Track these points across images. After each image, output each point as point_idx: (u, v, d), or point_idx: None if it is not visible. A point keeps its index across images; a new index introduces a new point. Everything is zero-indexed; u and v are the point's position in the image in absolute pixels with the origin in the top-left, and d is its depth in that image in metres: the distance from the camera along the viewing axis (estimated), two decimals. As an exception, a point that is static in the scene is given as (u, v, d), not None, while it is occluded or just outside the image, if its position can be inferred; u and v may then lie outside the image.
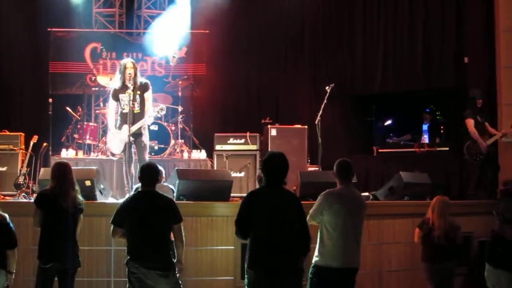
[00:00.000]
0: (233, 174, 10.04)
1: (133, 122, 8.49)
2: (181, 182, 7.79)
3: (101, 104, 12.13)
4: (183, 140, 11.62)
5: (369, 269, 7.97)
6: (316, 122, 10.21)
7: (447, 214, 7.33)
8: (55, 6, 12.81)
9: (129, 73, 8.55)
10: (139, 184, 6.07)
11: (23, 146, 10.68)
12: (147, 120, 8.71)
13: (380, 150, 12.42)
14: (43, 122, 11.33)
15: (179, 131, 11.52)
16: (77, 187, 6.24)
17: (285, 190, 5.40)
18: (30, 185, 9.88)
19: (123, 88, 8.62)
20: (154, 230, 5.69)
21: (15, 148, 10.60)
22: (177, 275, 5.81)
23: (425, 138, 12.54)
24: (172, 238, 5.87)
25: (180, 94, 11.92)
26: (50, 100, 10.93)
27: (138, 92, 8.62)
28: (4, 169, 10.54)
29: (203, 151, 11.35)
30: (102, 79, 12.07)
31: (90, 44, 12.91)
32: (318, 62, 13.35)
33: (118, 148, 8.85)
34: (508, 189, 5.08)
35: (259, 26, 13.77)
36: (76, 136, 11.34)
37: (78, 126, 11.37)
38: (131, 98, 8.48)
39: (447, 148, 11.91)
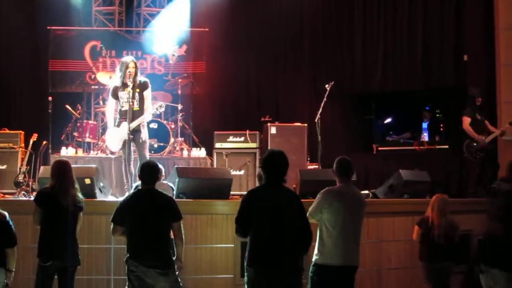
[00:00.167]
0: (233, 172, 10.02)
1: (132, 120, 8.50)
2: (180, 180, 7.79)
3: (101, 102, 12.12)
4: (182, 138, 11.62)
5: (369, 267, 7.98)
6: (316, 120, 10.21)
7: (447, 213, 7.32)
8: (54, 4, 12.81)
9: (130, 72, 8.57)
10: (139, 182, 6.08)
11: (23, 144, 10.68)
12: (146, 117, 8.71)
13: (380, 148, 12.43)
14: (42, 120, 11.34)
15: (179, 129, 11.52)
16: (77, 185, 6.24)
17: (285, 188, 5.40)
18: (30, 183, 9.88)
19: (123, 86, 8.64)
20: (153, 228, 5.69)
21: (15, 146, 10.60)
22: (177, 273, 5.82)
23: (425, 136, 12.53)
24: (172, 236, 5.88)
25: (179, 92, 11.92)
26: (50, 98, 10.96)
27: (138, 90, 8.63)
28: (4, 167, 10.53)
29: (203, 149, 11.35)
30: (101, 77, 12.05)
31: (89, 42, 12.91)
32: (318, 61, 13.35)
33: (116, 146, 8.85)
34: (496, 187, 5.08)
35: (259, 25, 13.75)
36: (75, 134, 11.34)
37: (78, 124, 11.38)
38: (130, 95, 8.49)
39: (447, 146, 11.92)
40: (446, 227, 7.26)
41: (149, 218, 5.68)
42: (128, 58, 8.90)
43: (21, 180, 9.85)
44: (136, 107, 8.60)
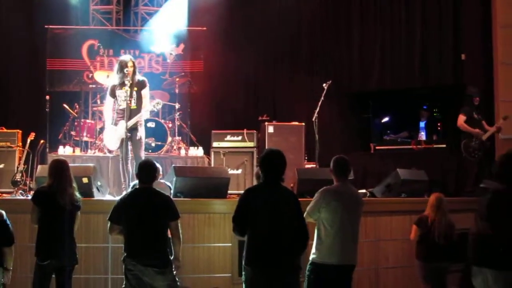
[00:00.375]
0: (230, 171, 10.03)
1: (130, 118, 8.50)
2: (178, 179, 7.79)
3: (98, 101, 12.12)
4: (180, 137, 11.62)
5: (366, 266, 7.99)
6: (313, 119, 10.22)
7: (447, 212, 7.32)
8: (52, 3, 12.77)
9: (127, 70, 8.57)
10: (136, 181, 6.08)
11: (20, 143, 10.65)
12: (144, 114, 8.71)
13: (377, 147, 12.43)
14: (40, 119, 11.34)
15: (176, 128, 11.52)
16: (74, 184, 6.24)
17: (282, 187, 5.40)
18: (27, 182, 9.87)
19: (121, 84, 8.64)
20: (151, 227, 5.69)
21: (12, 145, 10.57)
22: (174, 272, 5.82)
23: (422, 135, 12.54)
24: (169, 235, 5.88)
25: (177, 91, 11.93)
26: (48, 97, 10.95)
27: (135, 89, 8.63)
28: (1, 166, 10.50)
29: (200, 148, 11.35)
30: (99, 76, 12.05)
31: (87, 41, 12.89)
32: (315, 59, 13.35)
33: (114, 145, 8.85)
34: (484, 186, 5.08)
35: (257, 24, 13.75)
36: (73, 133, 11.33)
37: (75, 123, 11.37)
38: (128, 94, 8.49)
39: (444, 145, 11.93)
40: (446, 227, 7.26)
41: (146, 217, 5.68)
42: (126, 57, 8.90)
43: (18, 179, 9.83)
44: (133, 105, 8.61)
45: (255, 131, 11.11)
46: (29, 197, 7.30)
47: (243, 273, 5.35)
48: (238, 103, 13.59)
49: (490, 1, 10.91)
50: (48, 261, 5.99)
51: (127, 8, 13.81)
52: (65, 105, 11.52)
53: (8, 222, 5.89)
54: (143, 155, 8.71)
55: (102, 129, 11.01)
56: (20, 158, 10.38)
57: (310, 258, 5.91)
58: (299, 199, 5.49)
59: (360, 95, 13.03)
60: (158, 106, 9.00)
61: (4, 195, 9.25)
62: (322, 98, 10.26)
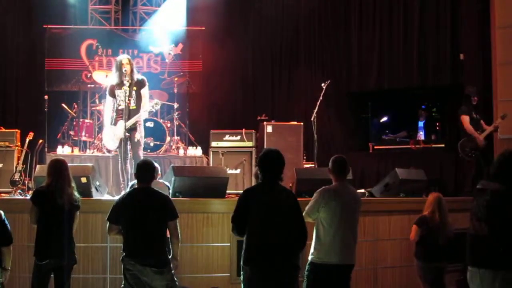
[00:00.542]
0: (229, 171, 10.02)
1: (129, 118, 8.50)
2: (177, 179, 7.79)
3: (97, 101, 12.12)
4: (179, 137, 11.63)
5: (365, 266, 7.99)
6: (312, 119, 10.21)
7: (447, 212, 7.31)
8: (50, 3, 12.78)
9: (125, 70, 8.58)
10: (135, 181, 6.09)
11: (19, 143, 10.65)
12: (143, 114, 8.71)
13: (376, 147, 12.46)
14: (38, 119, 11.35)
15: (175, 128, 11.52)
16: (73, 184, 6.23)
17: (281, 187, 5.40)
18: (26, 182, 9.87)
19: (120, 84, 8.64)
20: (149, 227, 5.69)
21: (11, 145, 10.56)
22: (173, 271, 5.82)
23: (421, 135, 12.55)
24: (168, 235, 5.88)
25: (176, 90, 11.93)
26: (46, 97, 10.94)
27: (135, 88, 8.64)
28: (-1, 166, 10.53)
29: (199, 148, 11.35)
30: (97, 76, 12.04)
31: (85, 41, 12.89)
32: (314, 59, 13.34)
33: (113, 144, 8.86)
34: (482, 187, 5.05)
35: (255, 23, 13.77)
36: (71, 133, 11.33)
37: (74, 123, 11.36)
38: (127, 94, 8.49)
39: (443, 145, 11.95)
40: (446, 227, 7.25)
41: (145, 217, 5.67)
42: (122, 56, 8.93)
43: (17, 179, 9.82)
44: (133, 105, 8.62)
45: (253, 131, 11.11)
46: (28, 196, 7.32)
47: (241, 272, 5.35)
48: (237, 103, 13.62)
49: (488, 1, 10.90)
50: (47, 260, 5.99)
51: (125, 8, 13.80)
52: (63, 105, 11.52)
53: (6, 221, 5.87)
54: (141, 154, 8.71)
55: (100, 128, 11.02)
56: (18, 158, 10.37)
57: (309, 258, 5.92)
58: (298, 199, 5.49)
59: (358, 95, 13.03)
60: (157, 106, 9.00)
61: (2, 195, 9.25)
62: (321, 97, 10.26)
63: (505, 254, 4.65)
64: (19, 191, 9.32)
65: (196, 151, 11.27)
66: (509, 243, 4.65)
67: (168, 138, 11.25)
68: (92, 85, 12.29)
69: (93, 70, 12.36)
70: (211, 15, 13.09)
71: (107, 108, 9.06)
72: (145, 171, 5.88)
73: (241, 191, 5.66)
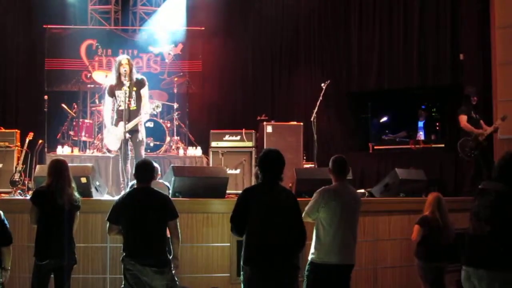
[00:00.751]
0: (229, 171, 10.02)
1: (129, 119, 8.49)
2: (176, 179, 7.79)
3: (97, 101, 12.12)
4: (178, 137, 11.63)
5: (365, 266, 7.99)
6: (312, 119, 10.21)
7: (447, 212, 7.31)
8: (50, 3, 12.79)
9: (125, 70, 8.57)
10: (135, 181, 6.08)
11: (19, 143, 10.64)
12: (143, 117, 8.71)
13: (375, 147, 12.46)
14: (38, 119, 11.34)
15: (175, 128, 11.53)
16: (73, 184, 6.23)
17: (281, 187, 5.40)
18: (26, 182, 9.86)
19: (119, 84, 8.63)
20: (149, 227, 5.68)
21: (11, 145, 10.56)
22: (173, 271, 5.82)
23: (421, 135, 12.55)
24: (168, 235, 5.88)
25: (175, 91, 11.94)
26: (46, 97, 10.93)
27: (134, 89, 8.63)
28: (-1, 166, 10.53)
29: (199, 148, 11.36)
30: (97, 76, 12.04)
31: (85, 41, 12.90)
32: (314, 59, 13.34)
33: (114, 145, 8.85)
34: (483, 187, 5.05)
35: (255, 23, 13.78)
36: (71, 133, 11.33)
37: (74, 123, 11.37)
38: (127, 94, 8.48)
39: (443, 145, 11.96)
40: (447, 227, 7.25)
41: (145, 217, 5.67)
42: (121, 57, 8.91)
43: (17, 179, 9.82)
44: (133, 106, 8.61)
45: (253, 131, 11.10)
46: (28, 197, 7.31)
47: (241, 272, 5.35)
48: (237, 103, 13.62)
49: (488, 2, 10.91)
50: (47, 261, 5.99)
51: (125, 8, 13.81)
52: (63, 105, 11.53)
53: (6, 221, 5.86)
54: (144, 154, 8.72)
55: (100, 128, 11.02)
56: (18, 158, 10.37)
57: (309, 258, 5.92)
58: (298, 199, 5.49)
59: (358, 95, 13.04)
60: (158, 109, 8.99)
61: (2, 195, 9.24)
62: (321, 98, 10.26)
63: (505, 254, 4.65)
64: (19, 191, 9.32)
65: (196, 151, 11.28)
66: (509, 243, 4.65)
67: (168, 138, 11.25)
68: (92, 85, 12.30)
69: (93, 70, 12.37)
70: (211, 15, 13.10)
71: (107, 108, 9.05)
72: (144, 171, 5.87)
73: (241, 191, 5.65)
